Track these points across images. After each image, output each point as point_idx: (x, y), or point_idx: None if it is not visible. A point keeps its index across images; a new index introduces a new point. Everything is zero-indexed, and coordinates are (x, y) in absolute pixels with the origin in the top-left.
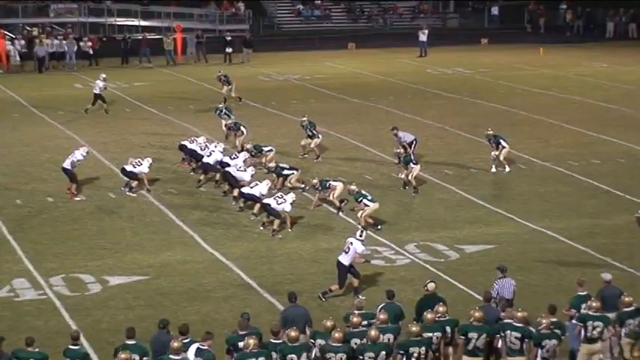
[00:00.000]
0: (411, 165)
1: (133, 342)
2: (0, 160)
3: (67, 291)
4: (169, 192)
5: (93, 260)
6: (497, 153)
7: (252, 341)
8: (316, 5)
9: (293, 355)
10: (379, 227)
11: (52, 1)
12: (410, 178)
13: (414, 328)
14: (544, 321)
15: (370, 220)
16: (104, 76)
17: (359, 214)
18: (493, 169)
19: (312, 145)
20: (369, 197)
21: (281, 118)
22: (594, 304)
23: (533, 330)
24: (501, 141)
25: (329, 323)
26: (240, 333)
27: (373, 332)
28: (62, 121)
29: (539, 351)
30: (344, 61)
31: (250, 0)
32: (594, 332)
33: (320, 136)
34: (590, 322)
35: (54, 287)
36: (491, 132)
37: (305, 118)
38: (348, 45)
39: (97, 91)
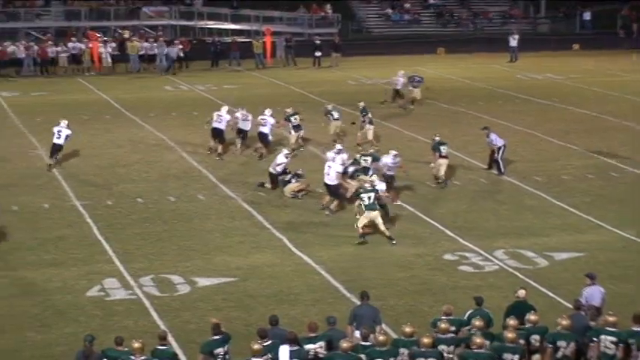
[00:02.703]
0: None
1: (219, 337)
2: (92, 160)
3: (156, 291)
4: (259, 195)
5: (182, 261)
6: None
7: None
8: (406, 9)
9: None
10: (363, 240)
11: (143, 3)
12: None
13: (510, 335)
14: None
15: (366, 230)
16: (403, 72)
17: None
18: None
19: (295, 138)
20: (365, 202)
21: None
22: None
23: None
24: None
25: (408, 329)
26: (310, 335)
27: (479, 340)
28: (153, 123)
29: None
30: (433, 66)
31: (339, 2)
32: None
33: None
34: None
35: (143, 287)
36: None
37: (290, 109)
38: (438, 50)
39: (398, 87)
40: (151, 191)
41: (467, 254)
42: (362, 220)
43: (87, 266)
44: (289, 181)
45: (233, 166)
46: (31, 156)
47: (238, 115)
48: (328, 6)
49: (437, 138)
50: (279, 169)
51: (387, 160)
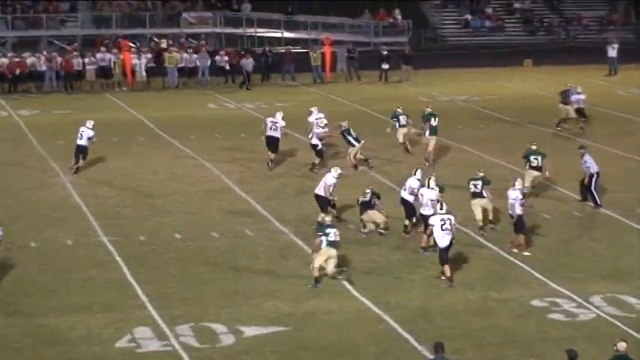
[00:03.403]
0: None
1: None
2: (122, 190)
3: (195, 342)
4: (312, 229)
5: (226, 307)
6: None
7: None
8: (488, 15)
9: None
10: (317, 285)
11: (182, 3)
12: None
13: None
14: None
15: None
16: (578, 87)
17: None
18: None
19: (358, 155)
20: (330, 238)
21: (444, 146)
22: None
23: None
24: None
25: None
26: None
27: None
28: (194, 147)
29: None
30: (519, 80)
31: (411, 7)
32: None
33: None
34: None
35: (180, 337)
36: None
37: (345, 123)
38: (524, 62)
39: (580, 105)
40: (191, 226)
41: (558, 300)
42: (319, 259)
43: (116, 312)
44: (371, 204)
45: (286, 196)
46: (52, 184)
47: (312, 118)
48: (397, 11)
49: (533, 147)
50: (329, 192)
51: (515, 192)
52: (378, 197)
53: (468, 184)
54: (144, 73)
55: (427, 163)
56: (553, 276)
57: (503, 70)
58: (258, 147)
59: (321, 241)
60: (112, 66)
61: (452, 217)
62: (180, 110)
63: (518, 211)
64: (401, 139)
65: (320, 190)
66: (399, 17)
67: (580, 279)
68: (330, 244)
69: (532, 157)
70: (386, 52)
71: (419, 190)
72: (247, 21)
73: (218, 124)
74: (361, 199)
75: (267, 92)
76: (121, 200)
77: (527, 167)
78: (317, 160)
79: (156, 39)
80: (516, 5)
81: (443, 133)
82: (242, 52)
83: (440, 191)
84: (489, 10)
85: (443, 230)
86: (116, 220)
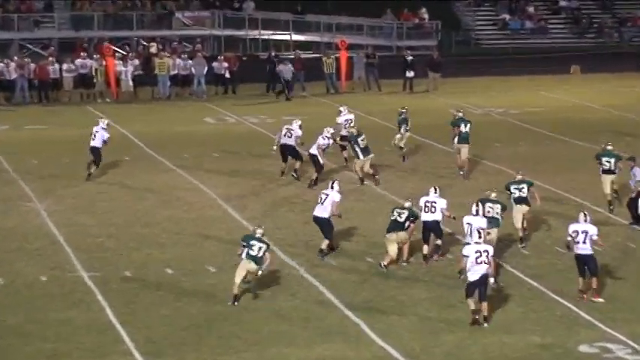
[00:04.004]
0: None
1: None
2: (106, 217)
3: None
4: (326, 264)
5: (224, 354)
6: None
7: None
8: (529, 15)
9: None
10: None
11: (175, 1)
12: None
13: None
14: None
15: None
16: None
17: None
18: None
19: (366, 168)
20: (252, 251)
21: (478, 166)
22: None
23: None
24: None
25: None
26: None
27: None
28: (187, 167)
29: None
30: (565, 90)
31: (439, 6)
32: None
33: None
34: None
35: None
36: None
37: (355, 129)
38: (571, 68)
39: None
40: (185, 259)
41: (610, 345)
42: (239, 274)
43: None
44: (404, 227)
45: (294, 223)
46: (25, 211)
47: (341, 119)
48: (424, 10)
49: (608, 147)
50: (336, 210)
51: (584, 226)
52: (417, 218)
53: (509, 189)
54: (130, 83)
55: (462, 174)
56: (604, 317)
57: (546, 79)
58: (261, 167)
59: (242, 252)
60: (94, 74)
61: (489, 249)
62: (173, 125)
63: (589, 250)
64: (401, 143)
65: (324, 212)
66: (426, 17)
67: (635, 321)
68: (250, 257)
69: (604, 159)
70: (411, 58)
71: (462, 218)
72: (250, 21)
73: (216, 141)
74: (396, 216)
75: (273, 104)
76: (103, 229)
77: (600, 171)
78: (315, 175)
79: (144, 43)
80: (562, 3)
81: (476, 151)
82: (279, 58)
83: (502, 210)
84: (531, 10)
85: (478, 263)
86: (97, 253)
